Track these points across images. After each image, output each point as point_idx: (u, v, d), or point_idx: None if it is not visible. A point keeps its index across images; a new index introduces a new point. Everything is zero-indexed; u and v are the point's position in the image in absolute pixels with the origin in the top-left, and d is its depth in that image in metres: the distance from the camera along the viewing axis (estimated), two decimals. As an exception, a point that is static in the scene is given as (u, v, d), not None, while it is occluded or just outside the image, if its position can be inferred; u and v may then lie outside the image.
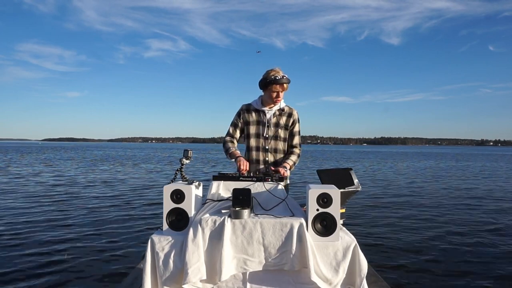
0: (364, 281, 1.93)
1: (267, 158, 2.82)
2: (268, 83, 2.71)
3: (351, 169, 2.77)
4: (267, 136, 2.81)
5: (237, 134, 2.91)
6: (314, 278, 1.90)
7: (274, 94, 2.73)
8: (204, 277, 1.98)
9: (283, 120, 2.83)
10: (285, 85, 2.71)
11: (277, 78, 2.67)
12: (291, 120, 2.85)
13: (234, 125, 2.90)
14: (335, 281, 1.96)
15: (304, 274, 1.98)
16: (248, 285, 2.03)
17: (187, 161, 2.32)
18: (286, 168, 2.70)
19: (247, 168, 2.65)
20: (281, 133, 2.83)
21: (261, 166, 2.82)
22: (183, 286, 1.94)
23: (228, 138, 2.90)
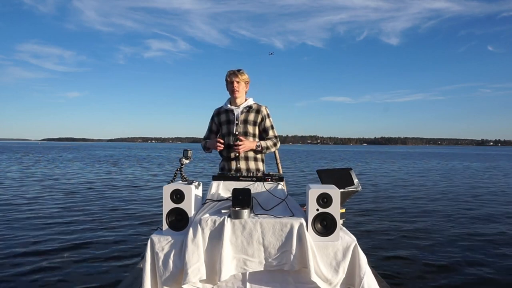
0: (364, 281, 1.93)
1: (237, 154, 2.89)
2: (225, 79, 2.92)
3: (351, 169, 2.77)
4: (236, 133, 2.89)
5: (212, 137, 3.07)
6: (314, 278, 1.90)
7: (230, 85, 2.88)
8: (204, 277, 1.97)
9: (251, 117, 2.91)
10: (238, 75, 2.85)
11: (229, 71, 2.89)
12: (260, 117, 2.92)
13: (209, 129, 3.10)
14: (335, 281, 1.95)
15: (304, 274, 1.97)
16: (248, 285, 2.02)
17: (187, 161, 2.31)
18: (257, 145, 2.80)
19: (222, 141, 2.77)
20: (250, 129, 2.90)
21: (235, 162, 2.87)
22: (183, 286, 1.94)
23: (203, 142, 3.09)
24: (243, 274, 2.04)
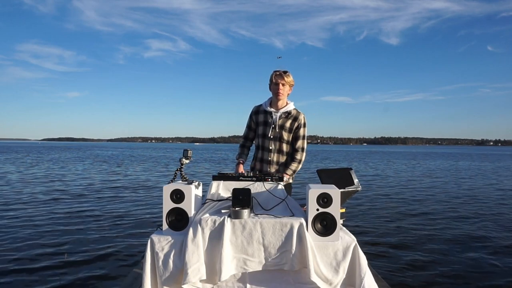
0: (364, 281, 1.93)
1: (269, 158, 2.92)
2: (270, 79, 2.88)
3: (351, 169, 2.77)
4: (271, 137, 2.90)
5: (251, 135, 3.08)
6: (314, 278, 1.90)
7: (275, 87, 2.84)
8: (204, 277, 1.98)
9: (288, 123, 2.90)
10: (285, 78, 2.81)
11: (276, 71, 2.85)
12: (296, 124, 2.90)
13: (248, 127, 3.09)
14: (335, 281, 1.95)
15: (304, 274, 1.98)
16: (248, 285, 2.02)
17: (187, 161, 2.32)
18: (285, 177, 2.78)
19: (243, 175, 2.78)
20: (285, 135, 2.89)
21: (266, 165, 2.93)
22: (182, 286, 1.94)
23: (242, 142, 3.12)
24: (243, 274, 2.04)
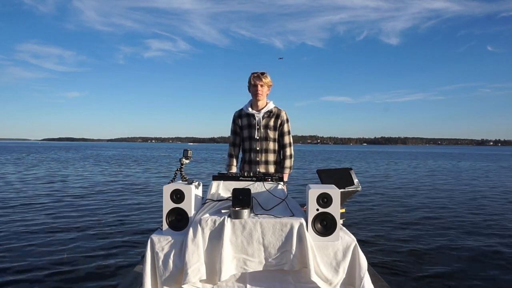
0: (364, 281, 1.93)
1: (257, 158, 2.99)
2: (248, 82, 2.95)
3: (351, 169, 2.77)
4: (257, 138, 2.97)
5: (238, 140, 3.12)
6: (314, 278, 1.90)
7: (254, 89, 2.91)
8: (204, 277, 1.98)
9: (272, 122, 2.97)
10: (262, 79, 2.88)
11: (253, 73, 2.92)
12: (280, 121, 2.99)
13: (233, 133, 3.12)
14: (335, 281, 1.95)
15: (304, 274, 1.98)
16: (248, 285, 2.03)
17: (187, 161, 2.32)
18: (285, 177, 2.86)
19: None
20: (271, 134, 2.97)
21: (255, 166, 2.99)
22: (182, 286, 1.94)
23: (230, 150, 3.14)
24: (243, 274, 2.04)
